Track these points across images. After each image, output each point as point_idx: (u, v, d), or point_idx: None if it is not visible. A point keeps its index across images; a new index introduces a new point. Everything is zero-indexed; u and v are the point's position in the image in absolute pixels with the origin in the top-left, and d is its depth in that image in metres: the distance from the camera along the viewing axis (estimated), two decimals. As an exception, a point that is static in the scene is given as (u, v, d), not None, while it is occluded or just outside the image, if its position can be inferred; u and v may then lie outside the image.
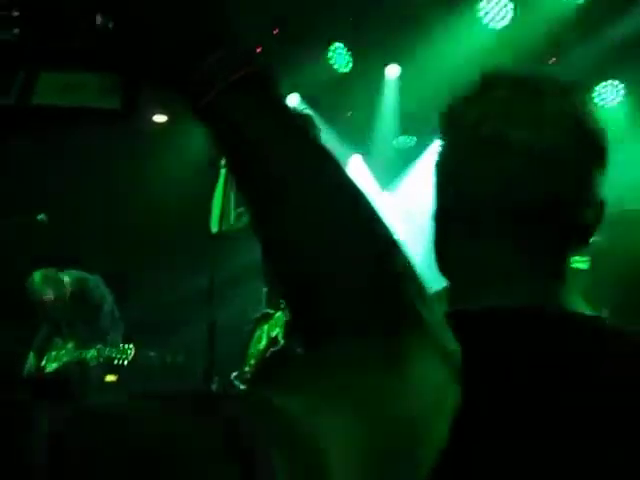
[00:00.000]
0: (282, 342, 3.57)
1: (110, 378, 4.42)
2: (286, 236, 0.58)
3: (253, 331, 3.85)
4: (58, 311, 4.70)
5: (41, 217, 4.49)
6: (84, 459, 0.30)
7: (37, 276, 4.68)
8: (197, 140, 5.17)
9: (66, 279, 4.77)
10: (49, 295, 4.69)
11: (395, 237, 0.56)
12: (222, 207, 3.61)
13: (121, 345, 4.38)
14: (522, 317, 0.86)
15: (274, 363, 2.05)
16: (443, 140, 0.97)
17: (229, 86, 0.58)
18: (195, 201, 4.72)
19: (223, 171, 3.65)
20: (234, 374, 3.68)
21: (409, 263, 0.55)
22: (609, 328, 0.86)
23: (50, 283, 4.72)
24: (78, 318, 4.73)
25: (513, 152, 0.89)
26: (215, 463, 0.34)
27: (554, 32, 4.38)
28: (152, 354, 5.06)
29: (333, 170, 0.59)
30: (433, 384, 0.51)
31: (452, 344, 0.54)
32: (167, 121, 5.47)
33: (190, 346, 4.48)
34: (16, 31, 0.60)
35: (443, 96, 1.00)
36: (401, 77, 5.59)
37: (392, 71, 5.58)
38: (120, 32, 0.60)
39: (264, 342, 3.72)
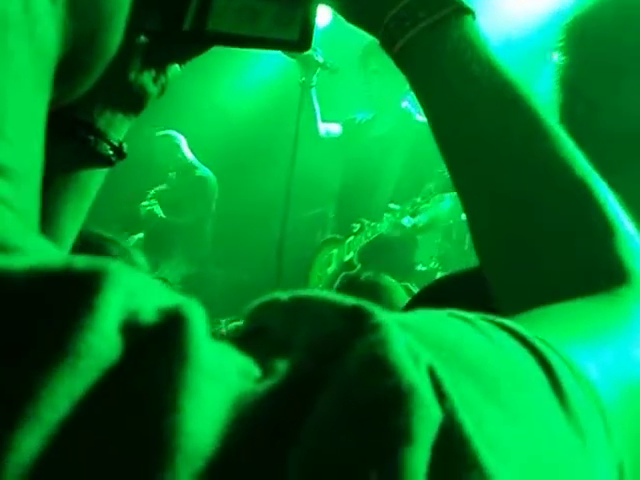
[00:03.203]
0: (358, 266, 3.65)
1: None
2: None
3: (316, 256, 3.92)
4: None
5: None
6: None
7: None
8: (269, 59, 5.11)
9: None
10: None
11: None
12: (298, 120, 3.62)
13: None
14: None
15: (363, 287, 2.07)
16: (567, 54, 0.86)
17: (428, 27, 0.55)
18: (267, 117, 4.72)
19: (303, 90, 3.65)
20: None
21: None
22: None
23: None
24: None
25: None
26: None
27: None
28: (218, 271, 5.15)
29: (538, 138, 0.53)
30: None
31: None
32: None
33: (257, 264, 4.52)
34: None
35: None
36: None
37: None
38: None
39: (334, 266, 3.79)
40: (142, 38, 0.59)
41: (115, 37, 0.41)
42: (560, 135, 0.53)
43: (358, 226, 3.76)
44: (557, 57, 0.87)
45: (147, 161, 4.85)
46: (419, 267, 4.05)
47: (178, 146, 4.86)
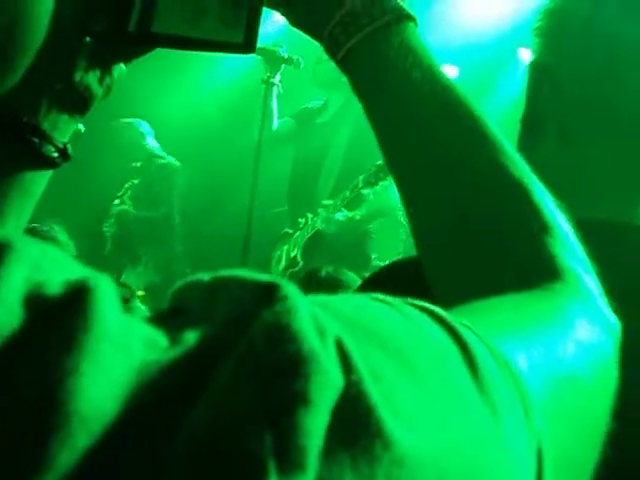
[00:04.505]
0: (301, 263, 3.62)
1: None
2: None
3: (274, 252, 3.89)
4: None
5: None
6: None
7: None
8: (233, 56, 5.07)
9: None
10: None
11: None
12: (263, 117, 3.59)
13: None
14: (602, 231, 0.80)
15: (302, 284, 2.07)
16: (543, 38, 0.89)
17: (370, 34, 0.56)
18: (235, 111, 4.71)
19: (264, 86, 3.63)
20: None
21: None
22: None
23: None
24: None
25: (628, 54, 0.83)
26: None
27: None
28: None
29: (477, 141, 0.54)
30: None
31: None
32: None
33: (223, 262, 4.52)
34: None
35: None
36: None
37: None
38: None
39: (283, 263, 3.76)
40: (87, 39, 0.59)
41: (39, 28, 0.41)
42: (499, 139, 0.55)
43: (303, 221, 3.72)
44: (533, 39, 0.90)
45: (111, 152, 4.81)
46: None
47: (143, 134, 4.77)
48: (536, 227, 0.52)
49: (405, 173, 0.58)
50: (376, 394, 0.26)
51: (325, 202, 3.60)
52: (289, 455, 0.23)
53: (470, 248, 0.54)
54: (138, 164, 4.70)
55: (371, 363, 0.27)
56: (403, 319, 0.32)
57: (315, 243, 3.62)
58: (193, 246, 5.12)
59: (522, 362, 0.37)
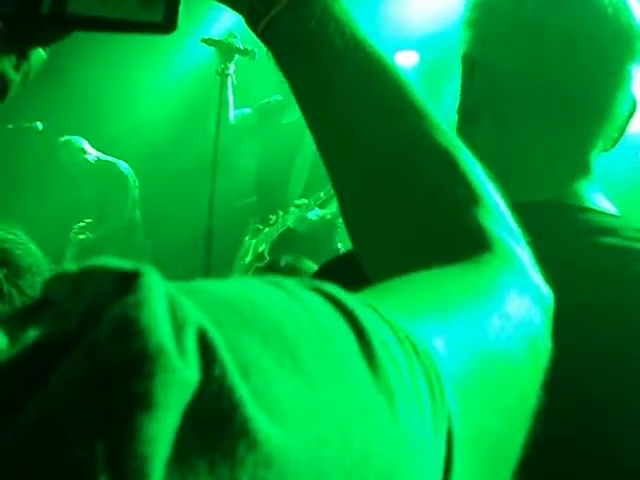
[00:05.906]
0: (267, 258, 3.64)
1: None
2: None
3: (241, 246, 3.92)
4: None
5: (36, 124, 4.50)
6: None
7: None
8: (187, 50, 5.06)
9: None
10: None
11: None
12: (219, 109, 3.57)
13: None
14: (542, 212, 0.85)
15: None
16: (473, 29, 0.93)
17: (291, 3, 0.54)
18: (192, 105, 4.68)
19: (219, 78, 3.60)
20: None
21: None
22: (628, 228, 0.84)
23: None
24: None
25: (551, 37, 0.87)
26: None
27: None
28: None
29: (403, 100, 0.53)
30: None
31: None
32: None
33: (186, 256, 4.49)
34: None
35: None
36: None
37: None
38: None
39: (250, 257, 3.78)
40: None
41: None
42: (424, 106, 0.54)
43: (274, 217, 3.75)
44: (463, 31, 0.94)
45: (51, 168, 4.79)
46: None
47: (82, 149, 4.79)
48: (463, 196, 0.50)
49: (330, 143, 0.56)
50: (244, 389, 0.23)
51: (297, 202, 3.63)
52: (126, 465, 0.21)
53: (394, 222, 0.53)
54: (78, 175, 4.69)
55: (243, 355, 0.25)
56: (293, 304, 0.30)
57: (285, 241, 3.64)
58: (156, 241, 5.11)
59: (437, 340, 0.35)
